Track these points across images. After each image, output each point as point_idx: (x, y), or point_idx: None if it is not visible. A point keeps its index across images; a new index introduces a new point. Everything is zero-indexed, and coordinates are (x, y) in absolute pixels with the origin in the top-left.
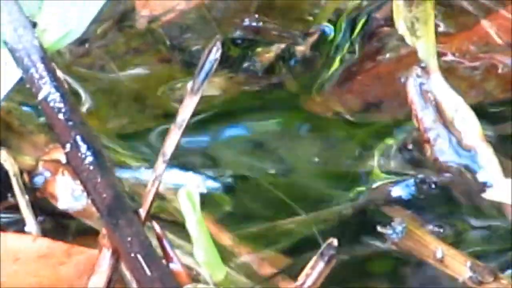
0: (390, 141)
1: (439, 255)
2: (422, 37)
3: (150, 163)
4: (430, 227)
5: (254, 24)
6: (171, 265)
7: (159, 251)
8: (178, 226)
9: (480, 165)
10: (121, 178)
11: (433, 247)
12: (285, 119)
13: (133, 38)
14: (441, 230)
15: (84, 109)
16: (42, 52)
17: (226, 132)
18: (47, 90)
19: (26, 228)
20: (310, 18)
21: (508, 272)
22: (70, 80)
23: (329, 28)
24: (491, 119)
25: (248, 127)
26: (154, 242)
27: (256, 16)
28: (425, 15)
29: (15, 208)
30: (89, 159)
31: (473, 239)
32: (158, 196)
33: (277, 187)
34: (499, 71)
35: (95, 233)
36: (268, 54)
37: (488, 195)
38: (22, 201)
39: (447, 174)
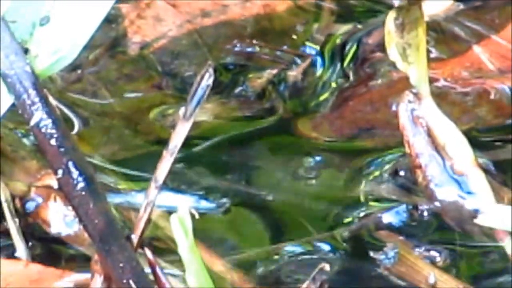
0: (381, 167)
1: (431, 280)
2: (414, 63)
3: (142, 188)
4: (423, 252)
5: (246, 49)
6: None
7: (151, 277)
8: (170, 252)
9: (472, 191)
10: (113, 204)
11: (426, 273)
12: (277, 144)
13: (125, 64)
14: (434, 255)
15: (76, 135)
16: (34, 78)
17: (218, 157)
18: (39, 116)
19: (17, 254)
20: (302, 43)
21: None
22: (62, 106)
23: (321, 53)
24: (483, 145)
25: (241, 152)
26: (147, 269)
27: (248, 41)
28: (417, 41)
29: (7, 234)
30: (81, 185)
31: (466, 264)
32: (150, 222)
33: (270, 211)
34: (491, 97)
35: (87, 259)
36: (260, 79)
37: (480, 220)
38: (13, 226)
39: (439, 200)
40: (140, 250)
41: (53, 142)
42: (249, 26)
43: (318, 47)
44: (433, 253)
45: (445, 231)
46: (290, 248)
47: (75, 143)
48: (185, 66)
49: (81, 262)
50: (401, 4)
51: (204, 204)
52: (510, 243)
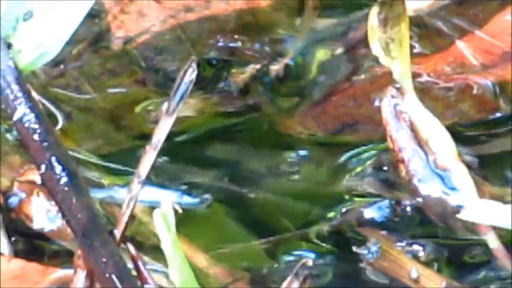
0: (364, 162)
1: (414, 275)
2: (397, 58)
3: (126, 183)
4: (406, 247)
5: (229, 44)
6: (146, 287)
7: (134, 272)
8: (153, 247)
9: (454, 186)
10: (96, 199)
11: (409, 267)
12: (260, 139)
13: (108, 59)
14: (417, 250)
15: (59, 130)
16: (17, 73)
17: (201, 152)
18: (22, 111)
19: None
20: (285, 38)
21: None
22: (45, 101)
23: (303, 48)
24: (466, 140)
25: (224, 148)
26: (129, 264)
27: (231, 36)
28: (400, 36)
29: None
30: (64, 180)
31: (448, 258)
32: (133, 217)
33: (253, 207)
34: (474, 92)
35: (70, 254)
36: (243, 74)
37: (463, 215)
38: None
39: (422, 195)
40: (122, 245)
41: (36, 137)
42: (233, 21)
43: (301, 42)
44: (415, 247)
45: (428, 226)
46: (272, 244)
47: (58, 138)
48: (168, 61)
49: (64, 257)
50: None
51: (187, 199)
52: (492, 237)
